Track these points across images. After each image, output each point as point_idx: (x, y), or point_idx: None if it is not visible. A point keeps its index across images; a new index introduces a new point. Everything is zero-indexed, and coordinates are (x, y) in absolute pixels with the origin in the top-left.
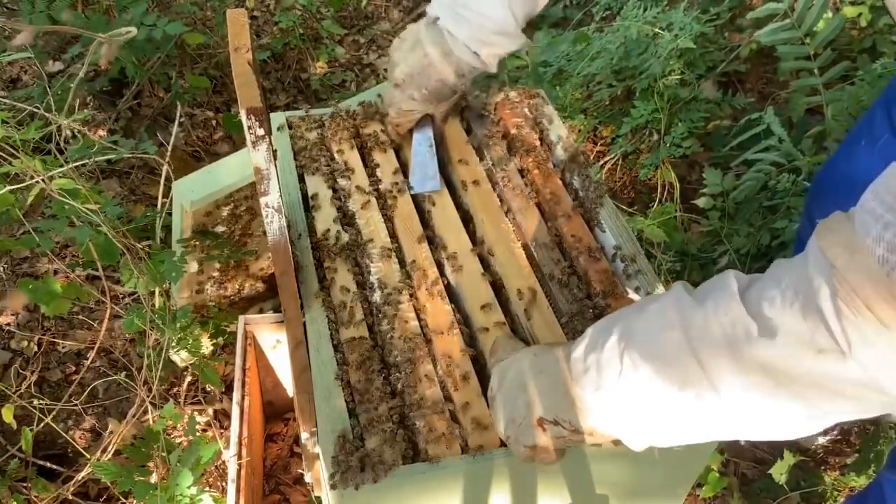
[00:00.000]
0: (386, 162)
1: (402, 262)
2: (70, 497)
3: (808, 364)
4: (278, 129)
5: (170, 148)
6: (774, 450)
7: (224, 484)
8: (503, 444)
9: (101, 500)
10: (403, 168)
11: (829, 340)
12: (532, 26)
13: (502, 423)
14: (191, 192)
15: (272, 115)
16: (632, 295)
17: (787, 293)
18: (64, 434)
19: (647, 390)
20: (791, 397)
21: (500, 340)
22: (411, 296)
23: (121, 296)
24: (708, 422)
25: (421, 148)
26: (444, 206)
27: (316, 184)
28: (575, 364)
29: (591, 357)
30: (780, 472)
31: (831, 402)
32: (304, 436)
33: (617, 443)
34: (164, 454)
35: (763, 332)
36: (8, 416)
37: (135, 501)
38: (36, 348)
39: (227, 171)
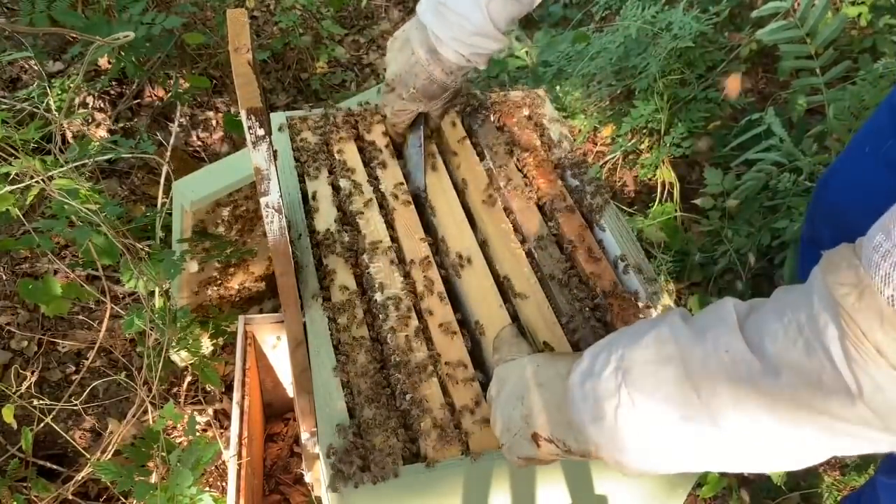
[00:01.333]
0: (386, 162)
1: (402, 262)
2: (70, 497)
3: (814, 404)
4: (278, 129)
5: (170, 148)
6: None
7: (224, 484)
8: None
9: (101, 500)
10: (403, 170)
11: (836, 382)
12: (532, 26)
13: (499, 428)
14: (191, 192)
15: (272, 115)
16: (632, 296)
17: (791, 329)
18: (64, 434)
19: (645, 424)
20: (794, 435)
21: (505, 338)
22: (411, 295)
23: (121, 296)
24: (709, 455)
25: (412, 150)
26: (446, 204)
27: (316, 184)
28: (572, 389)
29: (588, 385)
30: (778, 472)
31: (837, 440)
32: (304, 436)
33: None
34: (164, 454)
35: (766, 369)
36: (8, 416)
37: (135, 501)
38: (36, 348)
39: (227, 171)
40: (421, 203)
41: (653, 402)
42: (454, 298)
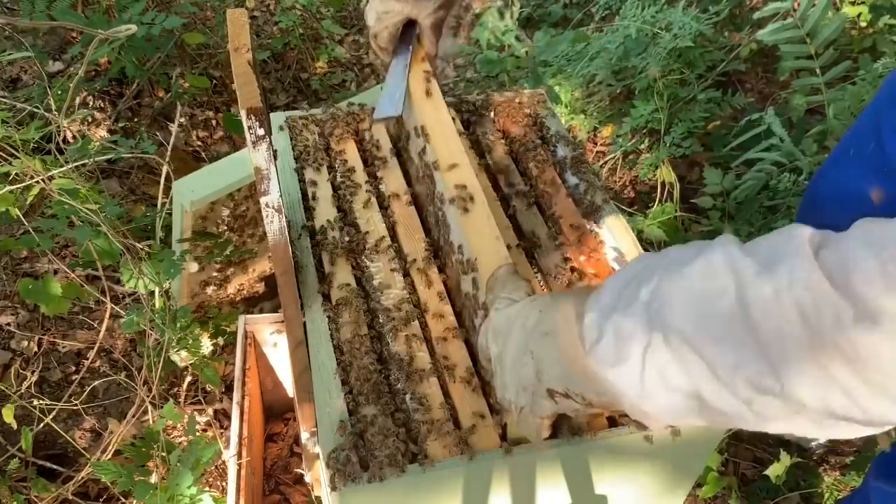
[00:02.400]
0: (387, 161)
1: (402, 262)
2: (70, 497)
3: None
4: (278, 128)
5: (170, 148)
6: (774, 449)
7: (224, 484)
8: (503, 444)
9: (101, 500)
10: (403, 168)
11: None
12: (532, 26)
13: (511, 389)
14: (191, 192)
15: (272, 115)
16: None
17: (892, 268)
18: (64, 434)
19: (683, 372)
20: (877, 397)
21: (501, 276)
22: (411, 295)
23: (121, 296)
24: (759, 414)
25: (395, 72)
26: (441, 134)
27: (316, 184)
28: (587, 331)
29: (611, 324)
30: (776, 473)
31: None
32: (304, 436)
33: (640, 426)
34: (164, 454)
35: (860, 317)
36: (8, 416)
37: (135, 501)
38: (36, 348)
39: (227, 171)
40: (421, 203)
41: (695, 345)
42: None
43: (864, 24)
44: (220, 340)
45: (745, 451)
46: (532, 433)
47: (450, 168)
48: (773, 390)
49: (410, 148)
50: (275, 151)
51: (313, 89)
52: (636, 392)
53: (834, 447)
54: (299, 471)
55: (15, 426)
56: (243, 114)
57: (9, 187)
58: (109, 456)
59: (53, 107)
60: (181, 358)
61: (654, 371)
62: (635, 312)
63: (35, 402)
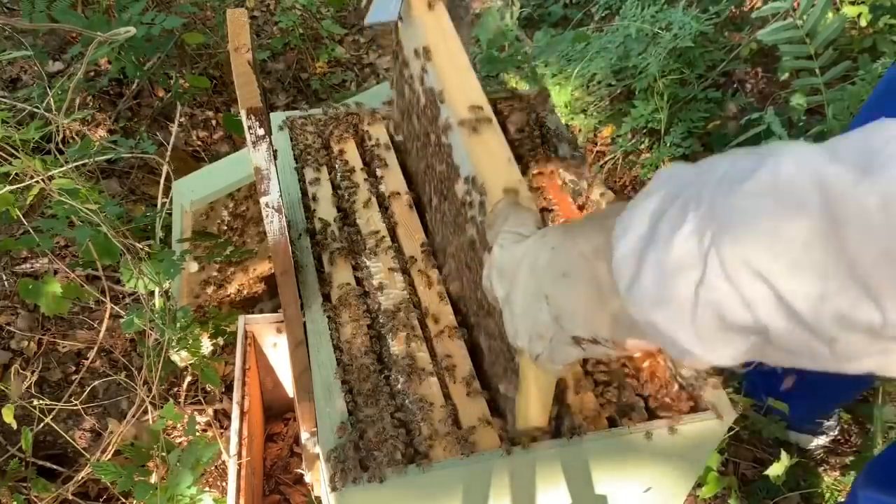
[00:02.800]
0: (387, 161)
1: (402, 261)
2: (70, 497)
3: None
4: (278, 128)
5: (170, 148)
6: (774, 450)
7: (224, 484)
8: (503, 443)
9: (101, 500)
10: (404, 169)
11: None
12: (532, 26)
13: (523, 336)
14: (191, 192)
15: (272, 115)
16: None
17: None
18: (64, 434)
19: (746, 308)
20: None
21: (501, 209)
22: (411, 295)
23: (121, 296)
24: (840, 353)
25: None
26: (446, 51)
27: (316, 183)
28: (620, 268)
29: (649, 258)
30: (775, 473)
31: None
32: (304, 436)
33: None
34: (164, 454)
35: None
36: (8, 416)
37: (135, 501)
38: (36, 348)
39: (227, 171)
40: (422, 203)
41: (763, 274)
42: (455, 298)
43: (863, 24)
44: (220, 340)
45: (745, 451)
46: (552, 374)
47: (458, 88)
48: (870, 324)
49: (406, 78)
50: (275, 151)
51: (313, 89)
52: (686, 334)
53: (834, 447)
54: (299, 471)
55: (15, 426)
56: (243, 114)
57: (9, 187)
58: (109, 456)
59: (53, 107)
60: (181, 358)
61: (710, 309)
62: (682, 242)
63: (35, 402)
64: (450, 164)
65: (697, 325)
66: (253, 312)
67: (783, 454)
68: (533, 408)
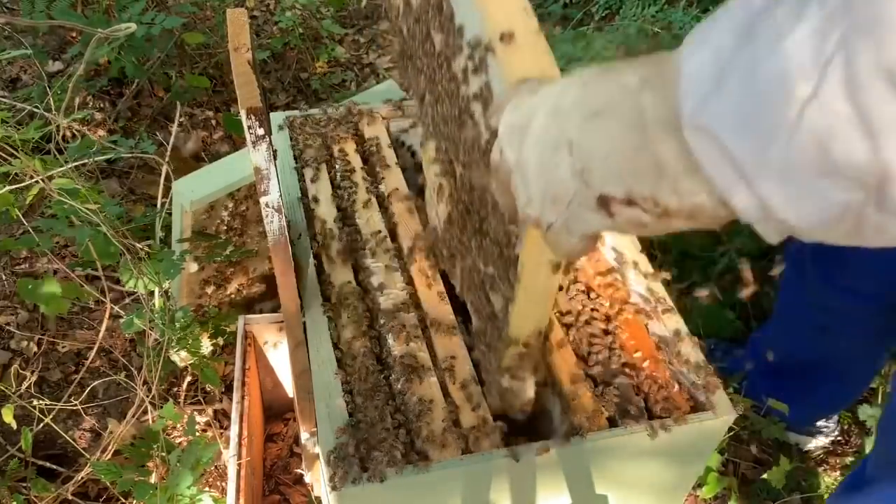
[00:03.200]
0: (387, 161)
1: (402, 261)
2: (70, 497)
3: None
4: (278, 128)
5: (170, 148)
6: (774, 451)
7: (224, 484)
8: (503, 443)
9: (101, 500)
10: (404, 169)
11: None
12: None
13: (536, 205)
14: (191, 192)
15: (272, 114)
16: (640, 304)
17: None
18: (64, 434)
19: (873, 137)
20: None
21: (515, 90)
22: (411, 295)
23: (121, 296)
24: None
25: None
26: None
27: (316, 183)
28: (691, 80)
29: (744, 62)
30: (775, 476)
31: None
32: (304, 436)
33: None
34: (164, 454)
35: None
36: (8, 416)
37: (135, 501)
38: (36, 348)
39: (227, 171)
40: (421, 202)
41: None
42: (454, 297)
43: None
44: (220, 340)
45: (746, 451)
46: (564, 253)
47: None
48: None
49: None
50: (275, 151)
51: (313, 89)
52: (768, 172)
53: (834, 448)
54: (299, 471)
55: (15, 426)
56: (243, 114)
57: (8, 187)
58: (109, 456)
59: (53, 107)
60: (181, 358)
61: (814, 137)
62: (794, 45)
63: (35, 402)
64: (450, 30)
65: (789, 160)
66: (253, 312)
67: (782, 458)
68: (525, 314)
